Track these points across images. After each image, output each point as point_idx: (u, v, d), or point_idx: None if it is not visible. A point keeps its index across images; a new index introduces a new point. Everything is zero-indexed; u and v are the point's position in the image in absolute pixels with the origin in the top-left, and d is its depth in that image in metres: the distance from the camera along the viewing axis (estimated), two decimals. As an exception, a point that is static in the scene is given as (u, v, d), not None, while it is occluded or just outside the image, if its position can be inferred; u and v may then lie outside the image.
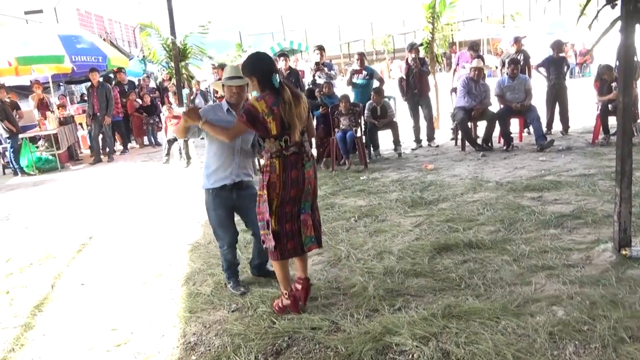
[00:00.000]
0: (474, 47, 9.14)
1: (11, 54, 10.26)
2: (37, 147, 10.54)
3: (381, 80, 8.50)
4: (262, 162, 3.22)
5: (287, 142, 3.09)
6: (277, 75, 3.10)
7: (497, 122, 7.74)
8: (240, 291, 3.67)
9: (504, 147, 7.67)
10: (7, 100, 10.19)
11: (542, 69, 8.64)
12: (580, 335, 2.70)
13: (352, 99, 7.95)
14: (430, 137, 8.77)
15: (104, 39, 19.60)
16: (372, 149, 8.05)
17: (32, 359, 3.12)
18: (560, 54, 8.65)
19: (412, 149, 8.51)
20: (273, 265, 3.36)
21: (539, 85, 8.75)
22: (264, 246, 3.26)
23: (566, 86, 8.52)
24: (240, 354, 2.87)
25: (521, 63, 8.30)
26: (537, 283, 3.36)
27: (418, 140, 8.71)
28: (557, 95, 8.38)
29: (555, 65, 8.40)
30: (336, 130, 7.54)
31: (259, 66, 3.15)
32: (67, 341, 3.27)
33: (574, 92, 9.51)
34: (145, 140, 12.80)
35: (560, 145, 7.48)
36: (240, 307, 3.45)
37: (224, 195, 3.56)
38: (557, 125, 8.56)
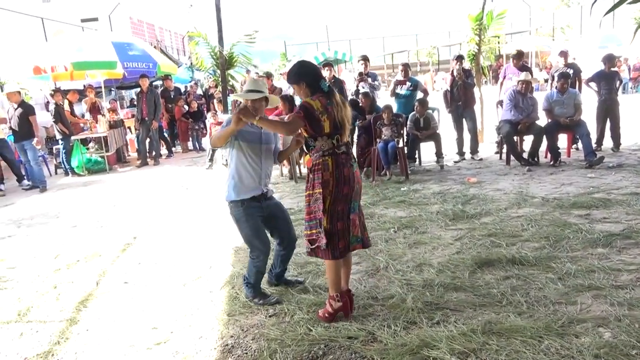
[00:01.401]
0: (519, 55, 8.77)
1: (67, 59, 10.75)
2: (88, 149, 11.00)
3: (425, 92, 8.44)
4: (312, 161, 3.21)
5: (339, 140, 3.18)
6: (325, 80, 3.21)
7: (544, 136, 7.56)
8: (274, 299, 3.65)
9: (551, 163, 7.48)
10: (62, 103, 10.65)
11: (592, 84, 8.38)
12: (629, 360, 2.59)
13: (395, 110, 7.92)
14: (474, 150, 8.62)
15: (155, 47, 20.24)
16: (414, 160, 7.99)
17: (75, 352, 3.23)
18: (612, 69, 8.38)
19: (455, 162, 8.39)
20: (326, 266, 3.29)
21: (589, 100, 8.49)
22: (314, 245, 3.21)
23: (618, 101, 8.23)
24: (276, 359, 2.89)
25: (571, 77, 8.08)
26: (583, 303, 3.24)
27: (461, 153, 8.58)
28: (608, 110, 8.11)
29: (607, 80, 8.14)
30: (378, 140, 7.52)
31: (306, 71, 3.26)
32: (109, 337, 3.37)
33: (627, 107, 9.19)
34: (190, 145, 13.12)
35: (610, 162, 7.22)
36: (277, 313, 3.47)
37: (255, 206, 3.54)
38: (607, 142, 8.29)
